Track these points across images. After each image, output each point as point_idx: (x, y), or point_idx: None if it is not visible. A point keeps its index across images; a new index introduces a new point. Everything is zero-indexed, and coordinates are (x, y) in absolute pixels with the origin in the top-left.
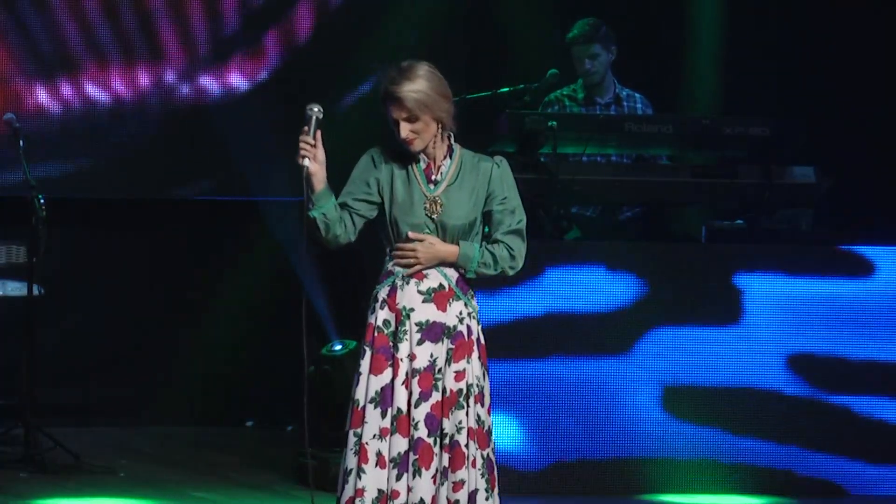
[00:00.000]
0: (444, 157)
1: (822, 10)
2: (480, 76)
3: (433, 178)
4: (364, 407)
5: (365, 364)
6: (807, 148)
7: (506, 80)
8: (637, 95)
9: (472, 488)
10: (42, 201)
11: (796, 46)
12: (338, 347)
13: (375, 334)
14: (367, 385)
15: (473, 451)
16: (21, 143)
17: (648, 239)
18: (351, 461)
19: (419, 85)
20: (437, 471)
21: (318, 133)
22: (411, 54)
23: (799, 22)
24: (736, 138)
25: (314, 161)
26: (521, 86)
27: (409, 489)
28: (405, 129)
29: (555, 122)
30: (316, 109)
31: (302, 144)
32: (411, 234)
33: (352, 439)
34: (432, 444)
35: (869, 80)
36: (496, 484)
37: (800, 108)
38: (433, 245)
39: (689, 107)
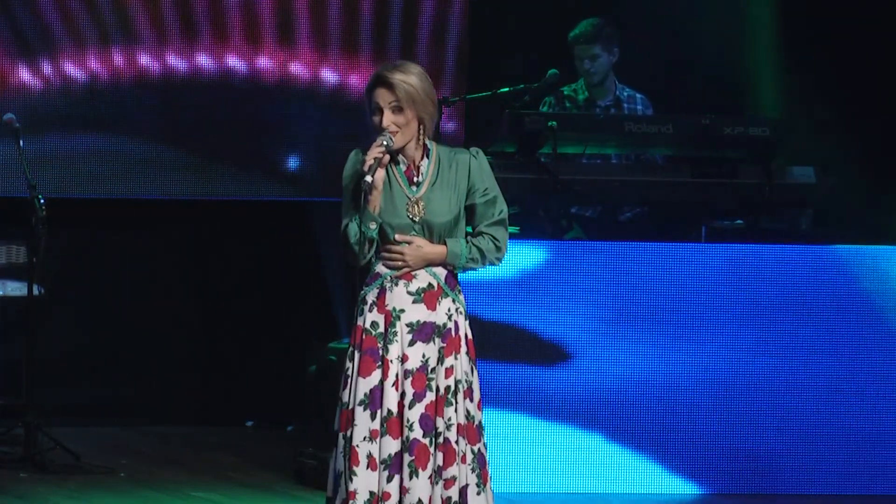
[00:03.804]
0: (422, 158)
1: (823, 10)
2: (480, 76)
3: (415, 179)
4: (353, 409)
5: (353, 366)
6: (807, 148)
7: (506, 80)
8: (638, 96)
9: (463, 484)
10: (42, 201)
11: (797, 46)
12: (346, 341)
13: (363, 336)
14: (356, 387)
15: (463, 446)
16: (21, 143)
17: (648, 239)
18: (340, 464)
19: (412, 79)
20: (432, 471)
21: (387, 157)
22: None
23: (801, 21)
24: (736, 138)
25: (378, 179)
26: (521, 86)
27: (407, 490)
28: (388, 118)
29: (555, 122)
30: (388, 134)
31: (374, 153)
32: (398, 237)
33: (340, 442)
34: (428, 444)
35: (869, 80)
36: (488, 479)
37: (800, 108)
38: (421, 248)
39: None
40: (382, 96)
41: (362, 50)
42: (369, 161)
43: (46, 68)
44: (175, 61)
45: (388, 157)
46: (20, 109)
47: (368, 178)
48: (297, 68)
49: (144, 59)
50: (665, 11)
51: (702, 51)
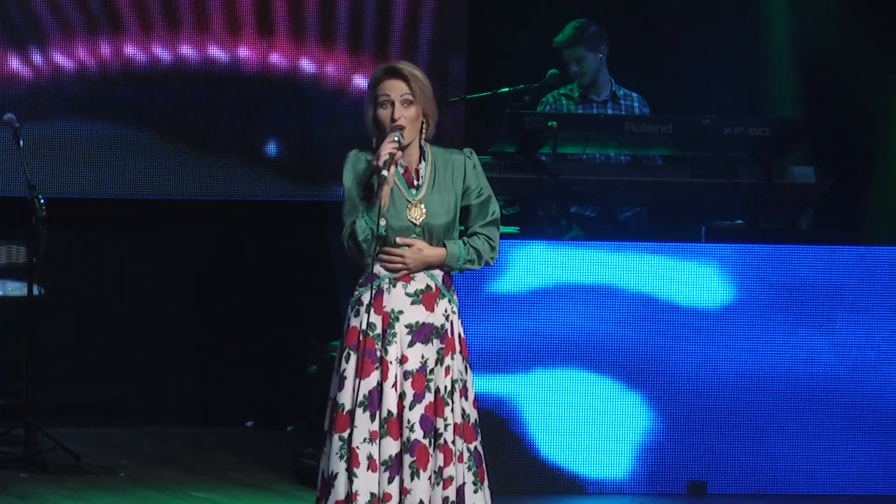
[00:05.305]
0: (419, 161)
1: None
2: (480, 76)
3: (415, 183)
4: (351, 411)
5: (350, 367)
6: (807, 148)
7: (506, 80)
8: (634, 94)
9: (460, 483)
10: (42, 201)
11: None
12: None
13: (361, 338)
14: (355, 389)
15: (460, 445)
16: (21, 142)
17: (648, 239)
18: (337, 465)
19: (419, 74)
20: (432, 472)
21: (399, 153)
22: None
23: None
24: (736, 138)
25: (390, 176)
26: (521, 86)
27: (408, 491)
28: (399, 111)
29: (555, 122)
30: (399, 131)
31: (388, 149)
32: (399, 240)
33: (336, 443)
34: (428, 444)
35: (868, 79)
36: (485, 477)
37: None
38: (422, 251)
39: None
40: (394, 88)
41: (368, 50)
42: (384, 156)
43: (36, 58)
44: (181, 54)
45: (400, 153)
46: (9, 101)
47: (385, 173)
48: (316, 66)
49: (145, 55)
50: (669, 11)
51: (708, 50)
